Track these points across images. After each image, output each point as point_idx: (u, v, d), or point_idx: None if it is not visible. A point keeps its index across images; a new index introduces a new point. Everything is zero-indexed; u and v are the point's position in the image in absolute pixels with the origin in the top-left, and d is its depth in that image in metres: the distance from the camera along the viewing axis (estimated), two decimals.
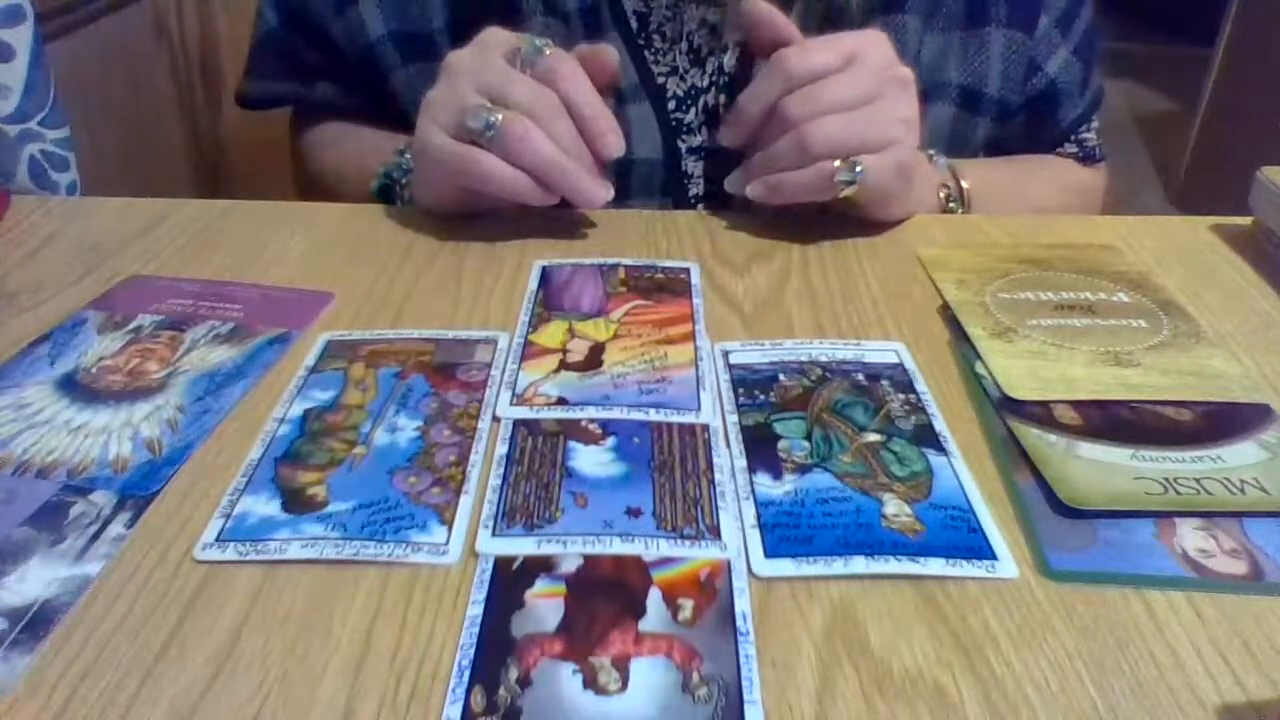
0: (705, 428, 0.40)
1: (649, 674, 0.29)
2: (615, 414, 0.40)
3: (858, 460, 0.38)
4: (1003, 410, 0.41)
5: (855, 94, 0.51)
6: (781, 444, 0.39)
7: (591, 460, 0.38)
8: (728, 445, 0.39)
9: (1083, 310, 0.48)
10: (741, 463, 0.38)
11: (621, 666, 0.29)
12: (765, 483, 0.36)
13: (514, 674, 0.29)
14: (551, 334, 0.46)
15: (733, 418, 0.40)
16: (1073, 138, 0.72)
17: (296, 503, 0.35)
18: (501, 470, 0.37)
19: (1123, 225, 0.58)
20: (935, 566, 0.33)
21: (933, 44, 0.63)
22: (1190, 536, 0.34)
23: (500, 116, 0.50)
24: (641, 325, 0.47)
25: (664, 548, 0.33)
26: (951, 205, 0.61)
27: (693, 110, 0.62)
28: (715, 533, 0.34)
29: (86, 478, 0.37)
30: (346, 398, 0.41)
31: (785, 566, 0.33)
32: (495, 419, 0.40)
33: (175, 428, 0.40)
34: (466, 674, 0.29)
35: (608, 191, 0.52)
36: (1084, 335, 0.45)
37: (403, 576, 0.33)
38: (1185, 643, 0.30)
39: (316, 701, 0.28)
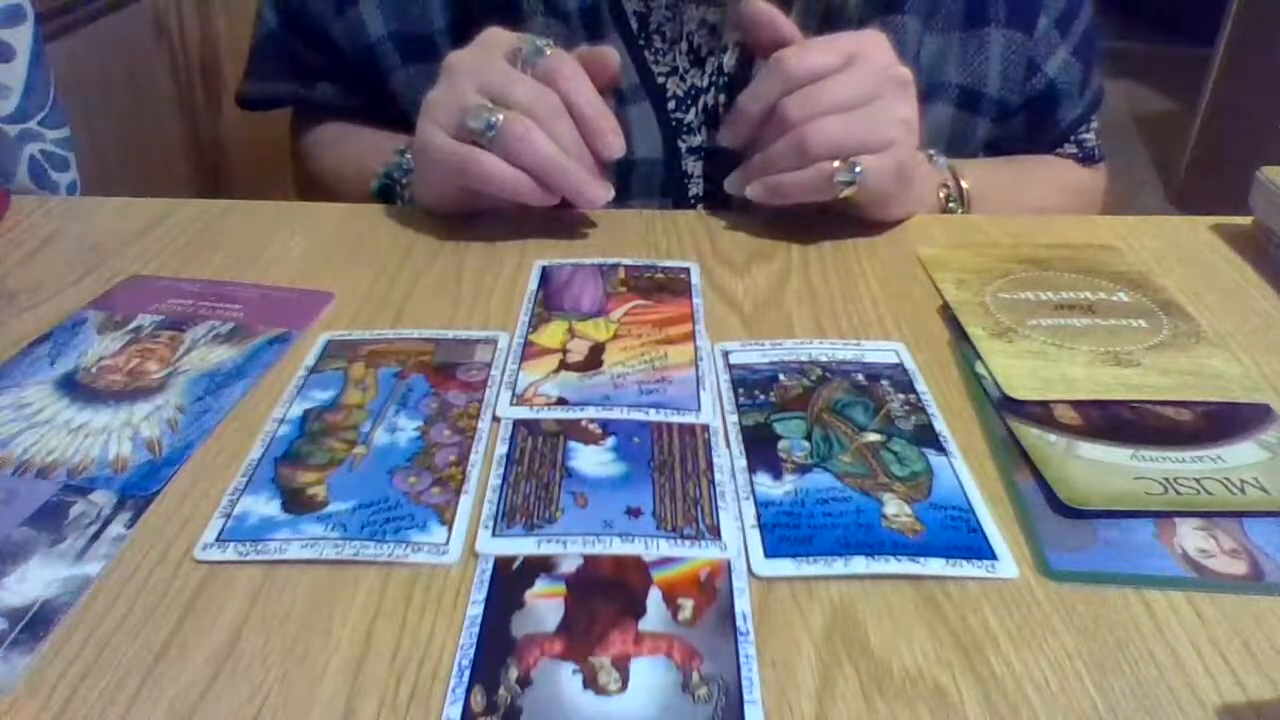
0: (705, 428, 0.40)
1: (649, 674, 0.29)
2: (615, 414, 0.40)
3: (858, 460, 0.38)
4: (1003, 410, 0.41)
5: (854, 94, 0.51)
6: (781, 444, 0.39)
7: (591, 460, 0.38)
8: (728, 445, 0.39)
9: (1083, 310, 0.48)
10: (741, 463, 0.38)
11: (621, 666, 0.29)
12: (765, 483, 0.36)
13: (514, 674, 0.29)
14: (551, 334, 0.46)
15: (733, 418, 0.40)
16: (1072, 138, 0.72)
17: (296, 503, 0.35)
18: (501, 470, 0.37)
19: (1123, 225, 0.58)
20: (935, 566, 0.33)
21: (932, 44, 0.63)
22: (1190, 536, 0.34)
23: (501, 117, 0.50)
24: (641, 325, 0.47)
25: (664, 548, 0.33)
26: (951, 205, 0.61)
27: (693, 110, 0.62)
28: (715, 533, 0.34)
29: (86, 478, 0.37)
30: (346, 398, 0.41)
31: (785, 566, 0.33)
32: (495, 419, 0.40)
33: (175, 428, 0.40)
34: (466, 674, 0.29)
35: (608, 192, 0.52)
36: (1084, 335, 0.45)
37: (403, 576, 0.33)
38: (1185, 643, 0.30)
39: (316, 701, 0.28)
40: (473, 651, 0.30)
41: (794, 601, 0.32)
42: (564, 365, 0.44)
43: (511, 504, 0.35)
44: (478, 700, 0.28)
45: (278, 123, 0.77)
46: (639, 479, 0.37)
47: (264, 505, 0.35)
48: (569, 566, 0.33)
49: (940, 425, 0.40)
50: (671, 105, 0.62)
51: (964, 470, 0.37)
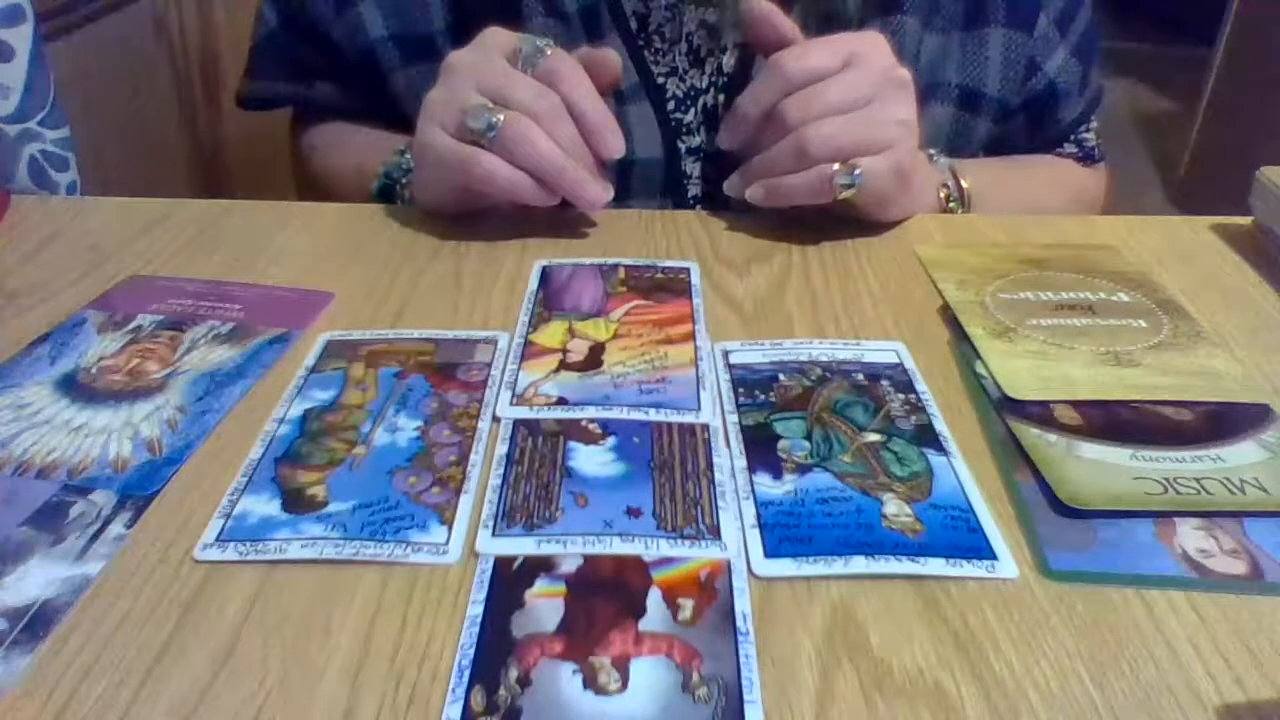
0: (705, 427, 0.40)
1: (649, 674, 0.29)
2: (615, 414, 0.40)
3: (858, 460, 0.38)
4: (1003, 410, 0.41)
5: (853, 96, 0.51)
6: (781, 444, 0.39)
7: (591, 460, 0.38)
8: (728, 445, 0.39)
9: (1083, 310, 0.48)
10: (741, 462, 0.38)
11: (621, 666, 0.29)
12: (765, 482, 0.36)
13: (514, 674, 0.29)
14: (551, 334, 0.46)
15: (733, 417, 0.40)
16: (1072, 137, 0.72)
17: (296, 503, 0.35)
18: (501, 470, 0.37)
19: (1123, 225, 0.58)
20: (935, 566, 0.33)
21: (932, 44, 0.63)
22: (1190, 536, 0.34)
23: (501, 117, 0.50)
24: (641, 325, 0.47)
25: (664, 548, 0.33)
26: (952, 205, 0.61)
27: (692, 111, 0.62)
28: (715, 533, 0.34)
29: (86, 478, 0.37)
30: (346, 398, 0.41)
31: (785, 566, 0.33)
32: (495, 419, 0.40)
33: (175, 428, 0.40)
34: (466, 674, 0.29)
35: (607, 192, 0.52)
36: (1084, 335, 0.45)
37: (403, 576, 0.33)
38: (1185, 643, 0.30)
39: (316, 701, 0.28)
40: (473, 651, 0.30)
41: (794, 601, 0.32)
42: (564, 365, 0.44)
43: (511, 504, 0.35)
44: (478, 700, 0.28)
45: (278, 123, 0.77)
46: (639, 479, 0.37)
47: (264, 505, 0.35)
48: (569, 566, 0.33)
49: (940, 425, 0.40)
50: (671, 106, 0.62)
51: (964, 470, 0.37)
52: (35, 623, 0.31)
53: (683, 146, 0.63)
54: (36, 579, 0.32)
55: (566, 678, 0.29)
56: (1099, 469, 0.37)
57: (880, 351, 0.45)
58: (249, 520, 0.35)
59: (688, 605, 0.31)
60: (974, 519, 0.35)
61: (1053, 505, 0.36)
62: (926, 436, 0.39)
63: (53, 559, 0.33)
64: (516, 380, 0.42)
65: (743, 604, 0.31)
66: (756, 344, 0.45)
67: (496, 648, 0.30)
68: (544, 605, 0.31)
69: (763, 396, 0.41)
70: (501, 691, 0.28)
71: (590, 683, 0.29)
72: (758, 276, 0.52)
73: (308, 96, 0.70)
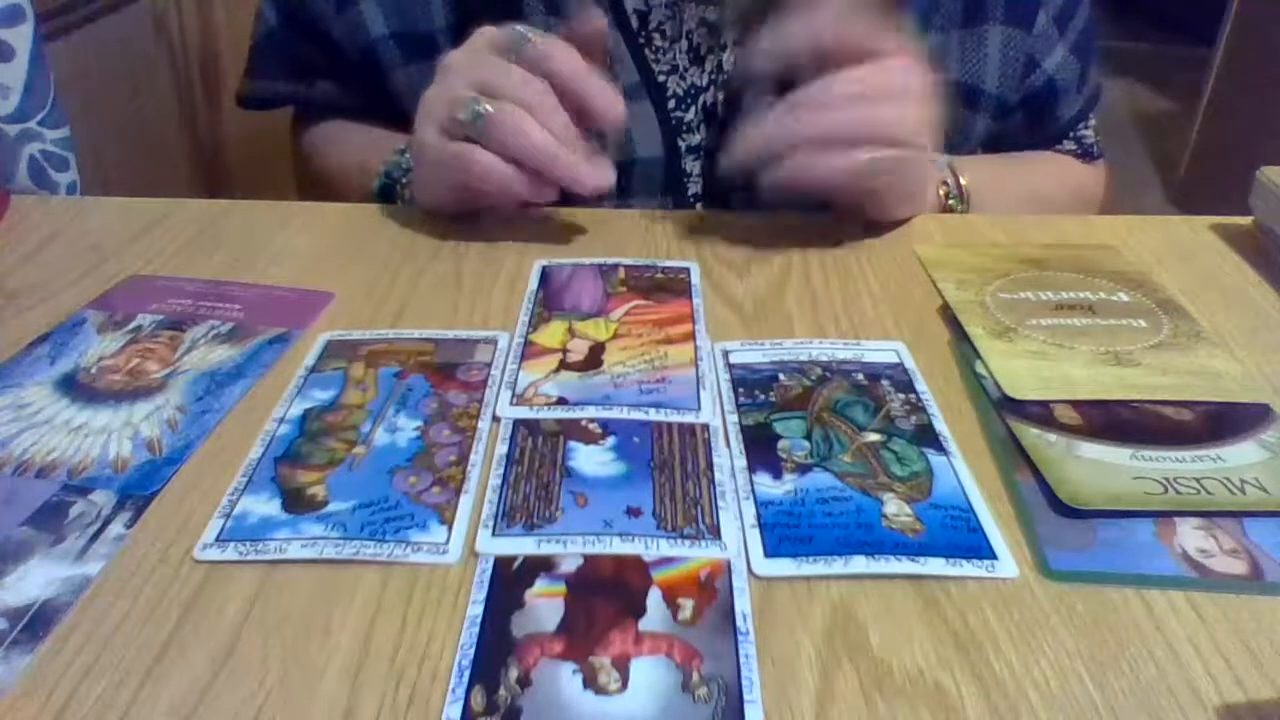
0: (705, 427, 0.40)
1: (649, 674, 0.29)
2: (615, 414, 0.40)
3: (858, 460, 0.38)
4: (1003, 410, 0.41)
5: (890, 83, 0.49)
6: (781, 444, 0.39)
7: (591, 460, 0.38)
8: (728, 445, 0.39)
9: (1083, 310, 0.48)
10: (741, 462, 0.38)
11: (621, 666, 0.29)
12: (765, 482, 0.36)
13: (514, 674, 0.29)
14: (551, 334, 0.46)
15: (733, 417, 0.40)
16: (1071, 135, 0.72)
17: (296, 502, 0.35)
18: (501, 470, 0.37)
19: (1123, 225, 0.58)
20: (935, 566, 0.33)
21: (931, 41, 0.63)
22: (1190, 536, 0.34)
23: (489, 106, 0.49)
24: (641, 325, 0.47)
25: (664, 547, 0.33)
26: (951, 203, 0.61)
27: (692, 109, 0.62)
28: (715, 532, 0.34)
29: (86, 478, 0.37)
30: (346, 397, 0.41)
31: (785, 566, 0.33)
32: (495, 419, 0.40)
33: (175, 427, 0.40)
34: (466, 674, 0.29)
35: (607, 173, 0.51)
36: (1084, 335, 0.45)
37: (403, 576, 0.33)
38: (1185, 643, 0.30)
39: (316, 701, 0.28)
40: (473, 651, 0.30)
41: (794, 601, 0.32)
42: (564, 365, 0.44)
43: (511, 504, 0.35)
44: (478, 700, 0.28)
45: (278, 122, 0.77)
46: (639, 479, 0.37)
47: (264, 505, 0.35)
48: (569, 566, 0.33)
49: (940, 425, 0.40)
50: (671, 104, 0.62)
51: (964, 470, 0.37)
52: (35, 623, 0.31)
53: (683, 145, 0.63)
54: (36, 579, 0.32)
55: (566, 678, 0.29)
56: (1099, 469, 0.37)
57: (880, 351, 0.45)
58: (249, 520, 0.35)
59: (688, 605, 0.31)
60: (974, 519, 0.35)
61: (1053, 505, 0.36)
62: (926, 436, 0.39)
63: (53, 559, 0.33)
64: (516, 380, 0.42)
65: (743, 604, 0.31)
66: (756, 344, 0.45)
67: (496, 648, 0.30)
68: (544, 605, 0.31)
69: (763, 396, 0.41)
70: (501, 691, 0.28)
71: (590, 683, 0.29)
72: (758, 276, 0.52)
73: (308, 95, 0.70)
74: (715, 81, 0.62)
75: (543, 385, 0.42)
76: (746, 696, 0.28)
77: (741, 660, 0.29)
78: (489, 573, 0.32)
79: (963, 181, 0.61)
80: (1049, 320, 0.47)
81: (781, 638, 0.30)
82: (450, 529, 0.34)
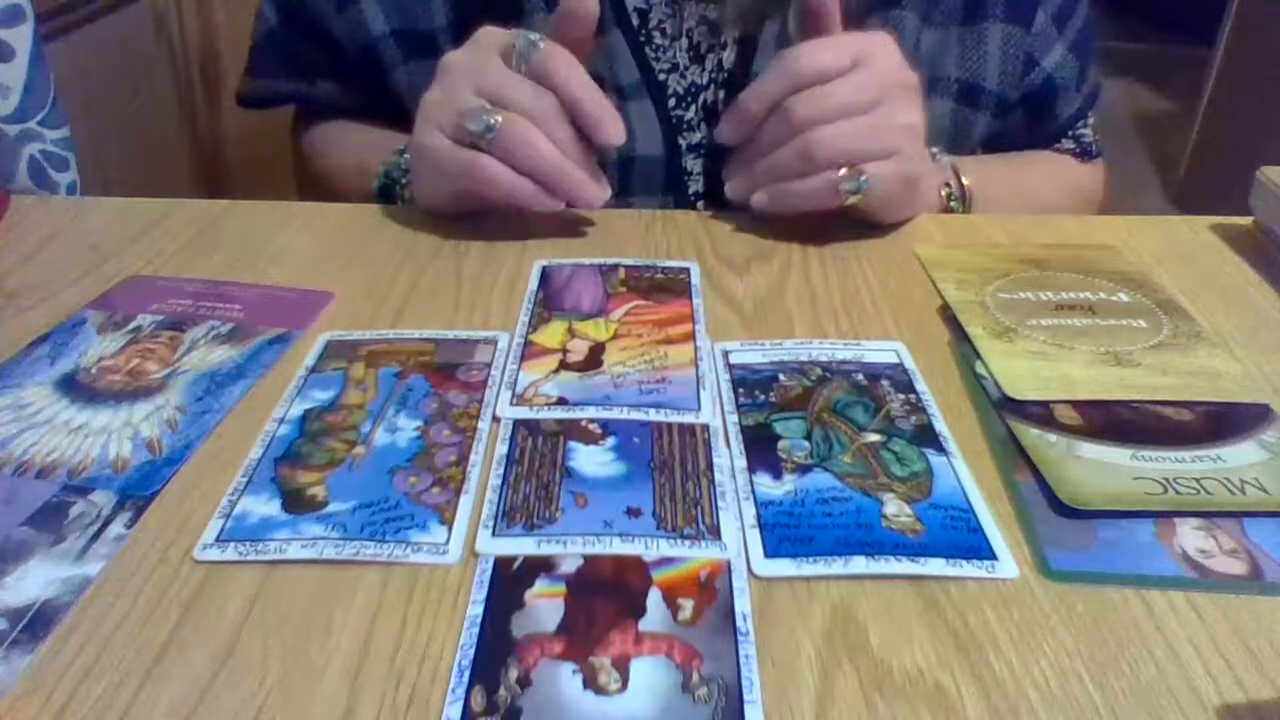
0: (705, 428, 0.40)
1: (649, 674, 0.29)
2: (615, 414, 0.40)
3: (858, 460, 0.38)
4: (1003, 410, 0.41)
5: (861, 98, 0.51)
6: (781, 444, 0.39)
7: (591, 460, 0.38)
8: (728, 445, 0.39)
9: (1083, 310, 0.48)
10: (741, 463, 0.38)
11: (621, 666, 0.29)
12: (765, 483, 0.36)
13: (514, 674, 0.29)
14: (551, 334, 0.46)
15: (733, 418, 0.40)
16: (1070, 133, 0.73)
17: (296, 503, 0.35)
18: (501, 470, 0.37)
19: (1123, 225, 0.58)
20: (935, 566, 0.33)
21: (931, 39, 0.63)
22: (1190, 536, 0.34)
23: (500, 119, 0.50)
24: (641, 325, 0.47)
25: (664, 548, 0.33)
26: (953, 204, 0.61)
27: (693, 107, 0.63)
28: (715, 533, 0.34)
29: (86, 478, 0.37)
30: (346, 398, 0.41)
31: (785, 566, 0.33)
32: (495, 419, 0.40)
33: (175, 428, 0.40)
34: (466, 674, 0.29)
35: (606, 191, 0.52)
36: (1084, 335, 0.45)
37: (403, 576, 0.33)
38: (1185, 643, 0.30)
39: (316, 701, 0.28)
40: (473, 651, 0.30)
41: (794, 601, 0.32)
42: (564, 365, 0.44)
43: (511, 504, 0.35)
44: (478, 700, 0.28)
45: (278, 122, 0.77)
46: (639, 479, 0.37)
47: (264, 505, 0.35)
48: (569, 567, 0.33)
49: (940, 425, 0.40)
50: (672, 102, 0.62)
51: (964, 470, 0.37)
52: (35, 623, 0.31)
53: (683, 143, 0.63)
54: (36, 579, 0.32)
55: (566, 678, 0.29)
56: (1099, 469, 0.37)
57: (880, 351, 0.45)
58: (249, 520, 0.35)
59: (688, 605, 0.31)
60: (974, 519, 0.35)
61: (1053, 505, 0.36)
62: (926, 436, 0.39)
63: (53, 559, 0.33)
64: (516, 380, 0.42)
65: (743, 604, 0.31)
66: (756, 344, 0.45)
67: (496, 648, 0.30)
68: (544, 605, 0.31)
69: (763, 396, 0.41)
70: (501, 691, 0.28)
71: (590, 683, 0.29)
72: (758, 276, 0.52)
73: (308, 94, 0.70)
74: (716, 80, 0.62)
75: (543, 385, 0.42)
76: (746, 697, 0.28)
77: (741, 660, 0.29)
78: (489, 573, 0.32)
79: (965, 183, 0.61)
80: (1049, 320, 0.47)
81: (781, 638, 0.30)
82: (450, 529, 0.34)
